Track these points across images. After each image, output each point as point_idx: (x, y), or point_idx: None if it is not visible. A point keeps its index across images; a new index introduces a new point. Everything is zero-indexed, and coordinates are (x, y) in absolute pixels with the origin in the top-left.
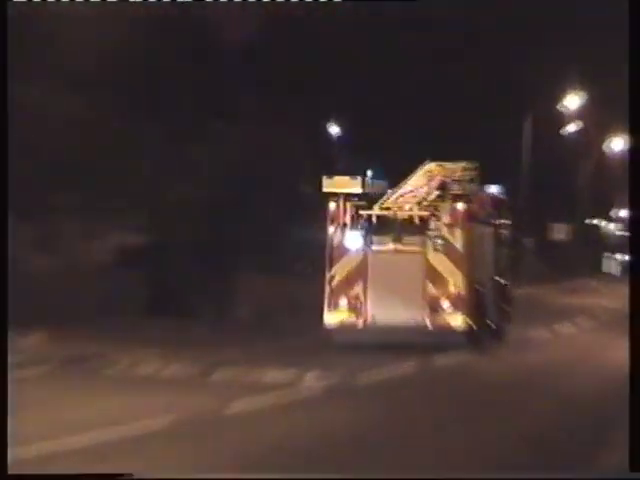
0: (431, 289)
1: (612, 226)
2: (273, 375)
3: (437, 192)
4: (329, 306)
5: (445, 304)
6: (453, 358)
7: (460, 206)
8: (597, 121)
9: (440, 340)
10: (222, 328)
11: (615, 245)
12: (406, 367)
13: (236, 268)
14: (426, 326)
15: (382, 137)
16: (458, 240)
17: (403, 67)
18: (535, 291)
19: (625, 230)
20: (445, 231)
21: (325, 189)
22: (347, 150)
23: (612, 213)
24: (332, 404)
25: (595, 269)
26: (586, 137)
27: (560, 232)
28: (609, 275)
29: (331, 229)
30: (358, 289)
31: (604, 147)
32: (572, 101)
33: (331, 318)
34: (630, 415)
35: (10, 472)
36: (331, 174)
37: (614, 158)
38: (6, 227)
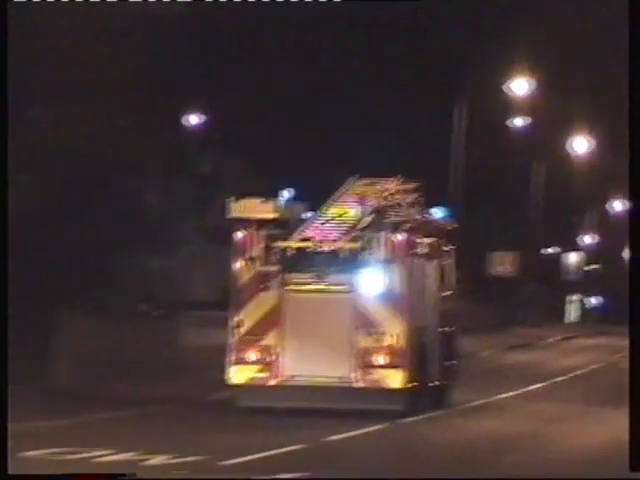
0: (362, 340)
1: (575, 257)
2: (106, 457)
3: (369, 218)
4: (234, 360)
5: (380, 359)
6: (381, 428)
7: (399, 237)
8: (555, 112)
9: (371, 404)
10: (37, 396)
11: (580, 284)
12: (300, 439)
13: (54, 308)
14: (355, 386)
15: (288, 142)
16: (396, 279)
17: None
18: (470, 345)
19: (594, 262)
20: (380, 268)
21: (232, 214)
22: (219, 151)
23: (579, 239)
24: None
25: (551, 314)
26: (540, 134)
27: (502, 264)
28: (571, 325)
29: (238, 264)
30: (271, 339)
31: (566, 147)
32: (520, 87)
33: (237, 375)
34: (630, 415)
35: (10, 472)
36: (238, 194)
37: (579, 163)
38: (6, 228)
